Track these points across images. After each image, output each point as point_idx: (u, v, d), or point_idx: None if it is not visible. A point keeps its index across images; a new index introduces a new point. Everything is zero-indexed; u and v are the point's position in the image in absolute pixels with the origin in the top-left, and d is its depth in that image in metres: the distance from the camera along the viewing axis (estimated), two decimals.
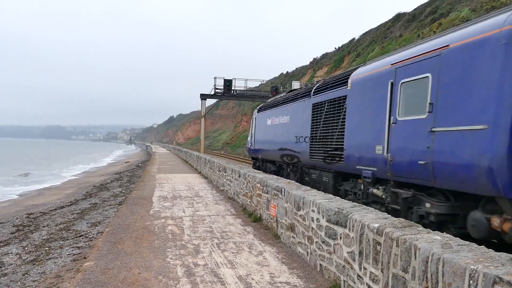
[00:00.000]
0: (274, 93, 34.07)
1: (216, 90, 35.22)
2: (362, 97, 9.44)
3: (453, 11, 33.46)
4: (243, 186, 11.01)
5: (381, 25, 50.21)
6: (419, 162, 6.89)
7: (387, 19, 49.68)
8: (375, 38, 47.17)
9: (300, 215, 6.43)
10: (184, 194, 13.63)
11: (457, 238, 3.60)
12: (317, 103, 12.26)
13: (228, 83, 34.61)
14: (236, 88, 35.61)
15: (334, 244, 5.16)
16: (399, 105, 7.77)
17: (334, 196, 6.36)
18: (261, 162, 19.57)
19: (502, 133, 5.35)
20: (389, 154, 7.90)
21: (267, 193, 8.51)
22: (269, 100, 20.69)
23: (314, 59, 67.54)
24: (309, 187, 7.57)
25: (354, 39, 56.58)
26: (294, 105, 14.45)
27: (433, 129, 6.66)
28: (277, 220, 7.69)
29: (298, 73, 70.94)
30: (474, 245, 3.34)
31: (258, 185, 9.27)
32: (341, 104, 10.49)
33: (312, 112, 12.53)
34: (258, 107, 20.62)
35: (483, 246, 3.31)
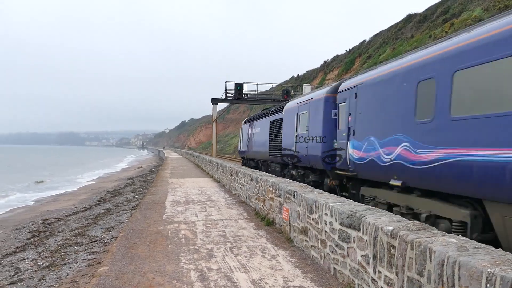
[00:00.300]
0: (285, 97, 33.99)
1: (227, 95, 35.29)
2: (287, 120, 16.59)
3: (465, 11, 33.10)
4: (256, 190, 11.01)
5: (392, 26, 49.89)
6: (304, 155, 13.91)
7: (398, 20, 49.33)
8: (386, 40, 46.88)
9: (313, 219, 6.40)
10: (197, 198, 13.67)
11: (473, 241, 3.55)
12: (271, 120, 19.63)
13: (239, 87, 34.64)
14: (247, 92, 35.64)
15: (347, 248, 5.13)
16: (299, 126, 14.79)
17: (347, 199, 6.33)
18: (246, 160, 27.34)
19: (324, 140, 12.34)
20: (296, 151, 14.79)
21: (279, 196, 8.50)
22: (251, 115, 29.20)
23: (325, 61, 67.39)
24: (321, 190, 7.56)
25: (365, 41, 56.32)
26: (262, 120, 21.89)
27: (307, 139, 13.68)
28: (290, 223, 7.67)
29: (309, 76, 70.83)
30: (491, 248, 3.29)
31: (271, 189, 9.26)
32: (280, 123, 17.65)
33: (269, 126, 19.84)
34: (244, 120, 29.09)
35: (500, 249, 3.26)
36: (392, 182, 8.26)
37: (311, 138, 13.42)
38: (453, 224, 6.69)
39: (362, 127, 9.96)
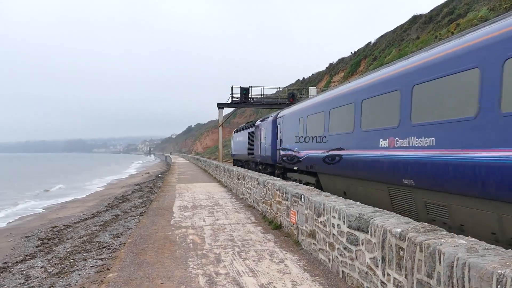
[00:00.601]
0: (291, 100, 33.95)
1: (233, 99, 35.36)
2: (256, 133, 24.20)
3: (471, 11, 32.93)
4: (263, 193, 10.99)
5: (397, 27, 49.74)
6: (264, 155, 21.93)
7: (403, 22, 49.16)
8: (391, 41, 46.75)
9: (320, 222, 6.37)
10: (204, 203, 13.68)
11: (483, 242, 3.51)
12: (249, 132, 27.52)
13: (244, 91, 34.68)
14: (252, 96, 35.67)
15: (356, 250, 5.10)
16: (261, 137, 22.64)
17: (354, 202, 6.30)
18: (235, 161, 35.68)
19: (272, 146, 20.23)
20: (260, 153, 22.77)
21: (286, 200, 8.48)
22: (239, 127, 37.61)
23: (330, 64, 67.28)
24: (329, 193, 7.53)
25: (370, 43, 56.18)
26: (244, 131, 30.36)
27: (265, 145, 21.64)
28: (297, 227, 7.65)
29: (314, 79, 70.76)
30: (501, 248, 3.25)
31: (278, 192, 9.24)
32: (253, 134, 25.26)
33: (248, 136, 27.81)
34: (234, 130, 38.35)
35: (510, 249, 3.22)
36: (295, 168, 16.07)
37: (266, 145, 21.48)
38: (311, 185, 13.52)
39: (284, 139, 17.96)
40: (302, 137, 14.71)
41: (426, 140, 7.45)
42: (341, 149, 11.03)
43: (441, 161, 6.99)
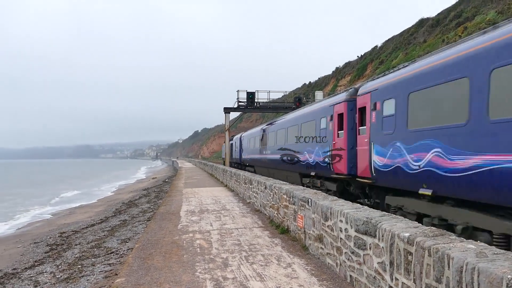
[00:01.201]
0: (297, 104, 33.90)
1: (239, 103, 35.34)
2: (233, 143, 42.87)
3: (478, 15, 32.77)
4: (270, 198, 10.98)
5: (404, 31, 49.57)
6: (237, 158, 40.29)
7: (410, 25, 48.99)
8: (398, 45, 46.60)
9: (328, 226, 6.35)
10: (211, 207, 13.69)
11: (492, 247, 3.48)
12: (231, 143, 42.22)
13: (251, 95, 34.65)
14: (259, 100, 35.63)
15: (363, 255, 5.07)
16: (236, 146, 40.99)
17: (361, 206, 6.28)
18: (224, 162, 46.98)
19: (240, 152, 38.23)
20: (235, 157, 40.91)
21: (293, 204, 8.46)
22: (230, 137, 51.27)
23: (337, 68, 67.14)
24: (336, 197, 7.51)
25: (376, 46, 56.01)
26: (230, 142, 43.48)
27: (237, 152, 40.65)
28: (304, 231, 7.63)
29: (321, 83, 70.64)
30: (511, 254, 3.22)
31: (285, 197, 9.23)
32: (232, 144, 43.02)
33: (230, 145, 41.29)
34: (229, 138, 48.57)
35: None
36: (247, 164, 33.91)
37: (237, 152, 37.83)
38: (252, 171, 28.88)
39: (245, 150, 34.22)
40: (247, 148, 32.15)
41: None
42: (257, 154, 27.02)
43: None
